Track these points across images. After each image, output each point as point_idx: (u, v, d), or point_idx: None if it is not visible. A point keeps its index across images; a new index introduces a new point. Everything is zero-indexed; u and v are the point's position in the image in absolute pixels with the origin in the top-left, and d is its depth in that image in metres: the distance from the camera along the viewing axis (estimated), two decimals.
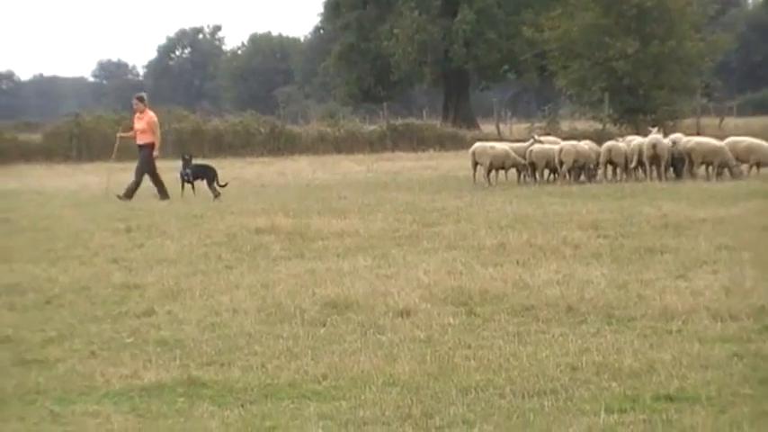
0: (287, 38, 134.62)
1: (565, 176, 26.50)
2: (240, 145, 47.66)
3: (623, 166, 26.61)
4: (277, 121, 52.63)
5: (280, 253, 14.77)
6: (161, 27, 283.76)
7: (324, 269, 13.04)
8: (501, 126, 54.41)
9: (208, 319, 10.35)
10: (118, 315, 10.75)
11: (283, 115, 62.61)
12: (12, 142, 46.89)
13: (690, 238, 14.97)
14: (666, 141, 26.64)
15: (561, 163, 26.49)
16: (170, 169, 26.70)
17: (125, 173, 25.87)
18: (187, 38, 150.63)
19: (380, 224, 17.70)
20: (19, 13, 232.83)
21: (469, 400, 7.48)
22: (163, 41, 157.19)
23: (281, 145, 47.99)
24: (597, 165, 26.97)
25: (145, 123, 25.11)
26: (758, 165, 26.51)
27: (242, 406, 7.57)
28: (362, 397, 7.62)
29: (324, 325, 9.95)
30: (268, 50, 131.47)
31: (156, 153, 25.05)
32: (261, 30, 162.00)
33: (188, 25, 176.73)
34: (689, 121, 48.04)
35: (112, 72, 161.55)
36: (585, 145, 27.58)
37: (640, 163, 26.38)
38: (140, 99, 25.71)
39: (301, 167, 37.61)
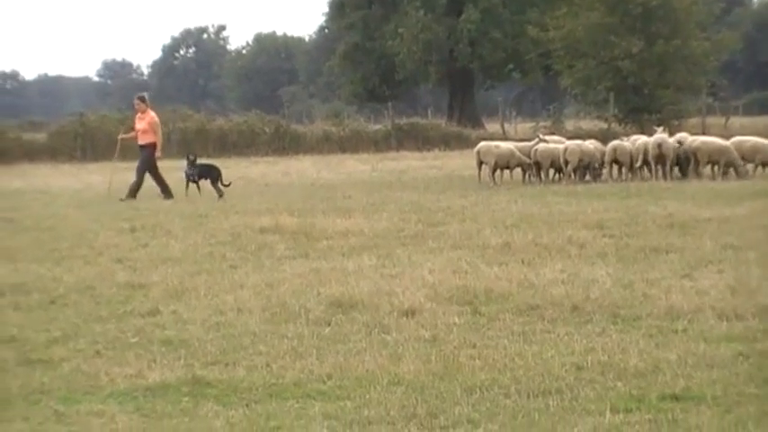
0: (292, 37, 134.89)
1: (570, 176, 26.48)
2: (245, 144, 47.66)
3: (628, 165, 26.57)
4: (282, 120, 52.60)
5: (284, 252, 14.76)
6: (166, 27, 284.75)
7: (328, 268, 13.03)
8: (506, 125, 54.39)
9: (212, 319, 10.34)
10: (122, 315, 10.74)
11: (288, 115, 62.61)
12: (16, 142, 46.93)
13: (695, 237, 14.95)
14: (672, 141, 26.62)
15: (566, 162, 26.47)
16: (174, 169, 26.69)
17: (129, 172, 25.87)
18: (192, 37, 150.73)
19: (385, 223, 17.69)
20: (23, 12, 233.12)
21: (474, 400, 7.46)
22: (167, 41, 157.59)
23: (286, 144, 48.00)
24: (602, 164, 26.94)
25: (146, 123, 25.11)
26: (764, 164, 26.50)
27: (247, 405, 7.57)
28: (367, 396, 7.61)
29: (329, 324, 9.94)
30: (273, 50, 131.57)
31: (158, 154, 25.06)
32: (265, 29, 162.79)
33: (193, 25, 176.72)
34: (694, 121, 48.04)
35: (117, 72, 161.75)
36: (590, 144, 27.55)
37: (645, 162, 26.34)
38: (141, 99, 25.71)
39: (306, 167, 37.61)
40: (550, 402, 7.34)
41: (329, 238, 15.94)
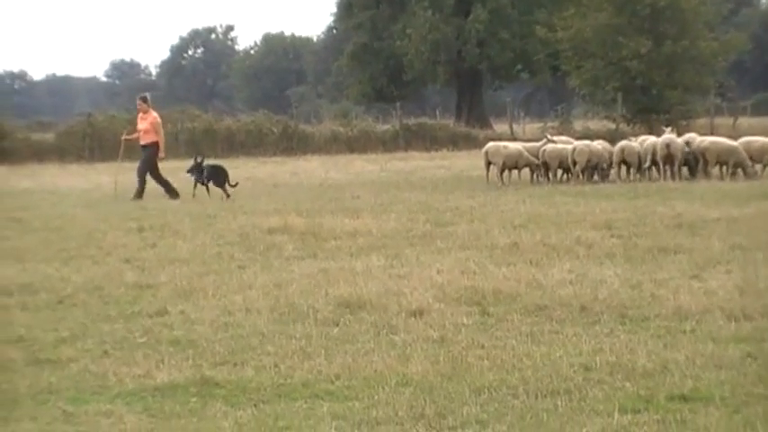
0: (300, 37, 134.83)
1: (578, 176, 26.44)
2: (253, 144, 47.70)
3: (636, 165, 26.54)
4: (290, 120, 52.62)
5: (293, 253, 14.77)
6: (174, 27, 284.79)
7: (337, 269, 13.03)
8: (514, 126, 54.42)
9: (221, 319, 10.34)
10: (131, 315, 10.75)
11: (296, 115, 62.61)
12: (25, 142, 47.05)
13: (704, 237, 14.93)
14: (680, 141, 26.58)
15: (574, 163, 26.44)
16: (182, 169, 26.68)
17: (134, 172, 25.86)
18: (200, 37, 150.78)
19: (394, 224, 17.69)
20: (32, 12, 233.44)
21: (483, 400, 7.46)
22: (176, 41, 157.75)
23: (294, 145, 48.02)
24: (610, 164, 26.91)
25: (148, 124, 25.14)
26: None
27: (255, 406, 7.57)
28: (376, 397, 7.61)
29: (337, 325, 9.94)
30: (281, 50, 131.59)
31: (161, 154, 25.09)
32: (274, 29, 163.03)
33: (201, 25, 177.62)
34: (702, 121, 48.00)
35: (125, 72, 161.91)
36: (599, 145, 27.53)
37: (654, 163, 26.32)
38: (144, 99, 25.74)
39: (314, 167, 37.62)
40: (559, 403, 7.33)
41: (337, 239, 15.95)
